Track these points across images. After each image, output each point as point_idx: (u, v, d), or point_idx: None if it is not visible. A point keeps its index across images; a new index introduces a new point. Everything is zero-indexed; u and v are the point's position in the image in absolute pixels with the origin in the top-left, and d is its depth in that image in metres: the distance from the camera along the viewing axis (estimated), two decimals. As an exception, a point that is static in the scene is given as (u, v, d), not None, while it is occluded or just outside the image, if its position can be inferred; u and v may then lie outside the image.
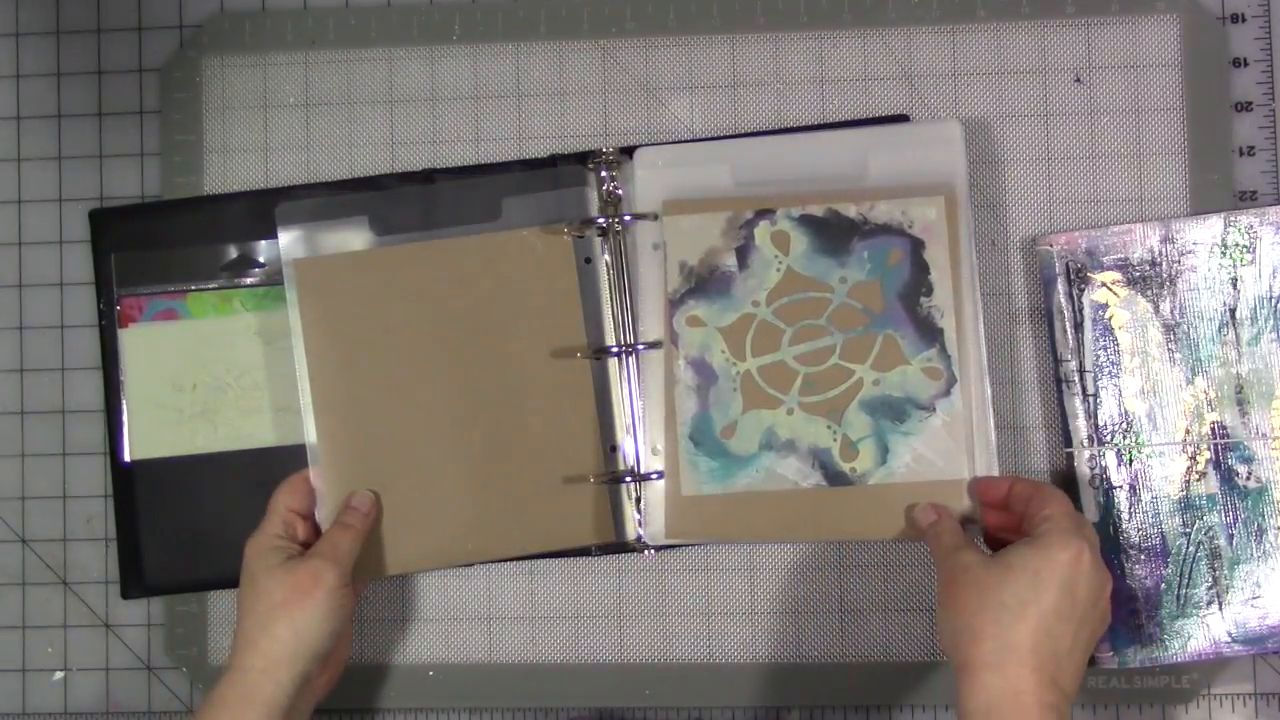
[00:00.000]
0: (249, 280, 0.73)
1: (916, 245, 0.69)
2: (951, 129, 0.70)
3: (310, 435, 0.70)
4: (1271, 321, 0.70)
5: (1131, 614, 0.69)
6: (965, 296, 0.69)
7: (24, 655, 0.76)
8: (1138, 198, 0.73)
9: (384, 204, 0.72)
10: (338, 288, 0.70)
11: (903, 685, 0.72)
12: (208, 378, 0.73)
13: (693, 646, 0.73)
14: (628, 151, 0.72)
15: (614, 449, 0.71)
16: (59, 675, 0.76)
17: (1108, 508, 0.70)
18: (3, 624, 0.76)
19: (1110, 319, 0.71)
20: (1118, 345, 0.70)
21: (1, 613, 0.76)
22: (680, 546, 0.72)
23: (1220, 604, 0.69)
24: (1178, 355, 0.70)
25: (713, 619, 0.73)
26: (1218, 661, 0.70)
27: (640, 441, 0.70)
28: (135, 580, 0.73)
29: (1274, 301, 0.70)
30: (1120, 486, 0.70)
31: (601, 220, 0.71)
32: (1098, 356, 0.70)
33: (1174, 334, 0.70)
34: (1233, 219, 0.70)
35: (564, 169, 0.72)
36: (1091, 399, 0.70)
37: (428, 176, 0.73)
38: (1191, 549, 0.69)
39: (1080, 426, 0.70)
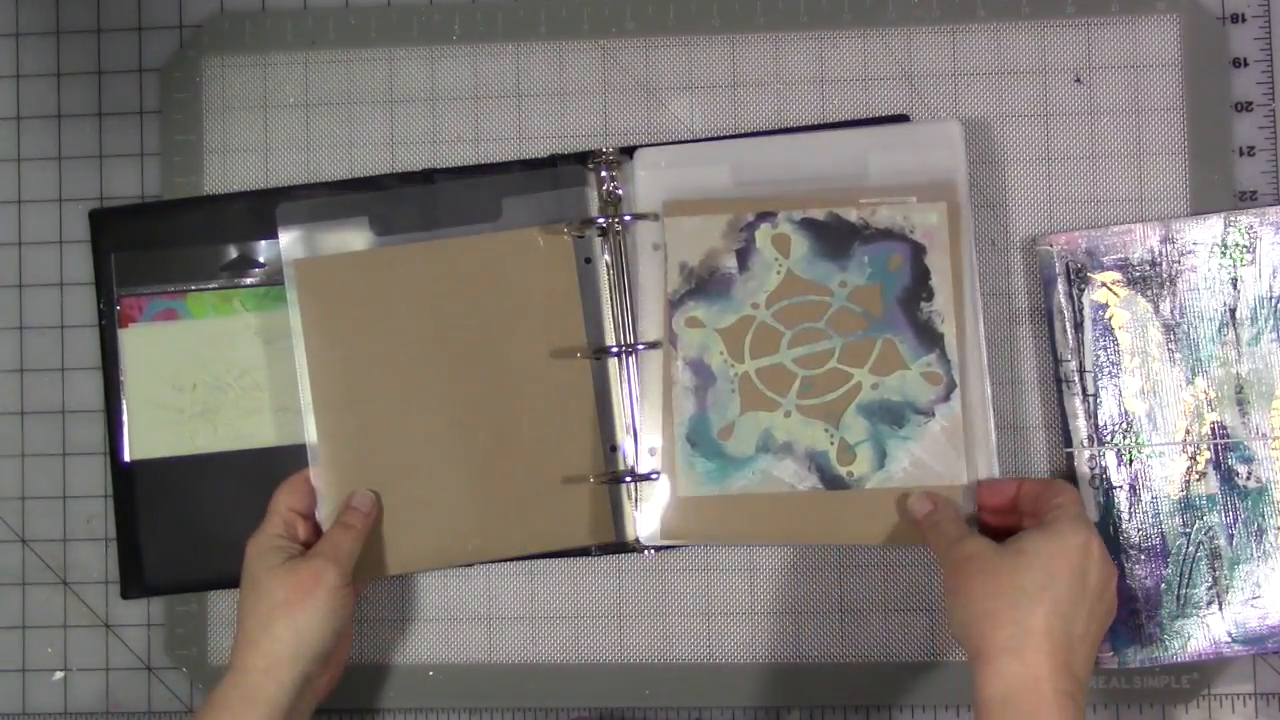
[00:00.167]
0: (249, 280, 0.73)
1: (918, 250, 0.69)
2: (952, 129, 0.70)
3: (310, 435, 0.70)
4: (1271, 321, 0.70)
5: (1131, 614, 0.69)
6: (966, 302, 0.69)
7: (24, 655, 0.76)
8: (1138, 198, 0.73)
9: (384, 204, 0.72)
10: (338, 288, 0.70)
11: (903, 685, 0.72)
12: (208, 378, 0.73)
13: (693, 646, 0.73)
14: (628, 151, 0.72)
15: (614, 449, 0.71)
16: (59, 675, 0.76)
17: (1108, 508, 0.70)
18: (3, 624, 0.76)
19: (1110, 319, 0.71)
20: (1118, 345, 0.70)
21: (1, 613, 0.76)
22: (680, 547, 0.72)
23: (1220, 604, 0.69)
24: (1178, 355, 0.70)
25: (713, 619, 0.73)
26: (1218, 661, 0.70)
27: (640, 442, 0.70)
28: (135, 580, 0.73)
29: (1274, 301, 0.70)
30: (1120, 486, 0.70)
31: (601, 220, 0.71)
32: (1098, 356, 0.70)
33: (1174, 334, 0.70)
34: (1233, 219, 0.70)
35: (564, 169, 0.72)
36: (1091, 399, 0.70)
37: (428, 176, 0.73)
38: (1191, 549, 0.69)
39: (1080, 426, 0.70)
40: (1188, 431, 0.70)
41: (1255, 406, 0.70)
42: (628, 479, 0.70)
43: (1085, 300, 0.71)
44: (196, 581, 0.73)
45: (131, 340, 0.73)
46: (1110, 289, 0.71)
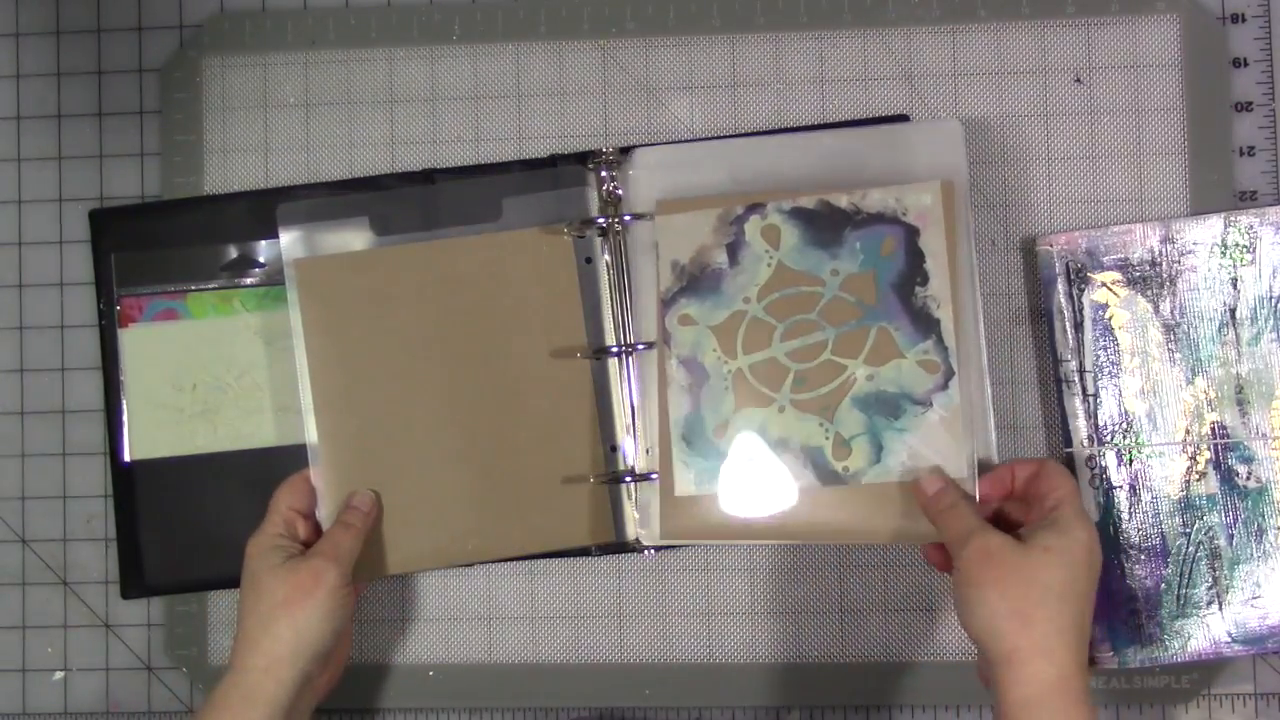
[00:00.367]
0: (249, 280, 0.73)
1: (911, 233, 0.68)
2: (952, 128, 0.69)
3: (311, 435, 0.70)
4: (1271, 321, 0.70)
5: (1131, 614, 0.69)
6: (963, 285, 0.67)
7: (24, 655, 0.76)
8: (1138, 198, 0.73)
9: (384, 204, 0.72)
10: (338, 288, 0.70)
11: (903, 685, 0.72)
12: (208, 378, 0.73)
13: (693, 646, 0.73)
14: (628, 151, 0.72)
15: (614, 449, 0.71)
16: (59, 675, 0.76)
17: (1108, 508, 0.70)
18: (3, 624, 0.76)
19: (1110, 319, 0.71)
20: (1118, 345, 0.70)
21: (1, 613, 0.76)
22: (680, 547, 0.72)
23: (1220, 604, 0.69)
24: (1178, 355, 0.70)
25: (713, 619, 0.73)
26: (1218, 661, 0.70)
27: (639, 442, 0.70)
28: (135, 580, 0.73)
29: (1274, 301, 0.70)
30: (1120, 486, 0.70)
31: (601, 220, 0.71)
32: (1098, 356, 0.70)
33: (1174, 334, 0.70)
34: (1233, 219, 0.70)
35: (564, 169, 0.72)
36: (1091, 399, 0.70)
37: (428, 176, 0.73)
38: (1191, 549, 0.69)
39: (1080, 426, 0.70)
40: (1188, 431, 0.70)
41: (1255, 406, 0.70)
42: (627, 479, 0.70)
43: (1085, 300, 0.71)
44: (196, 581, 0.73)
45: (131, 340, 0.73)
46: (1110, 289, 0.71)
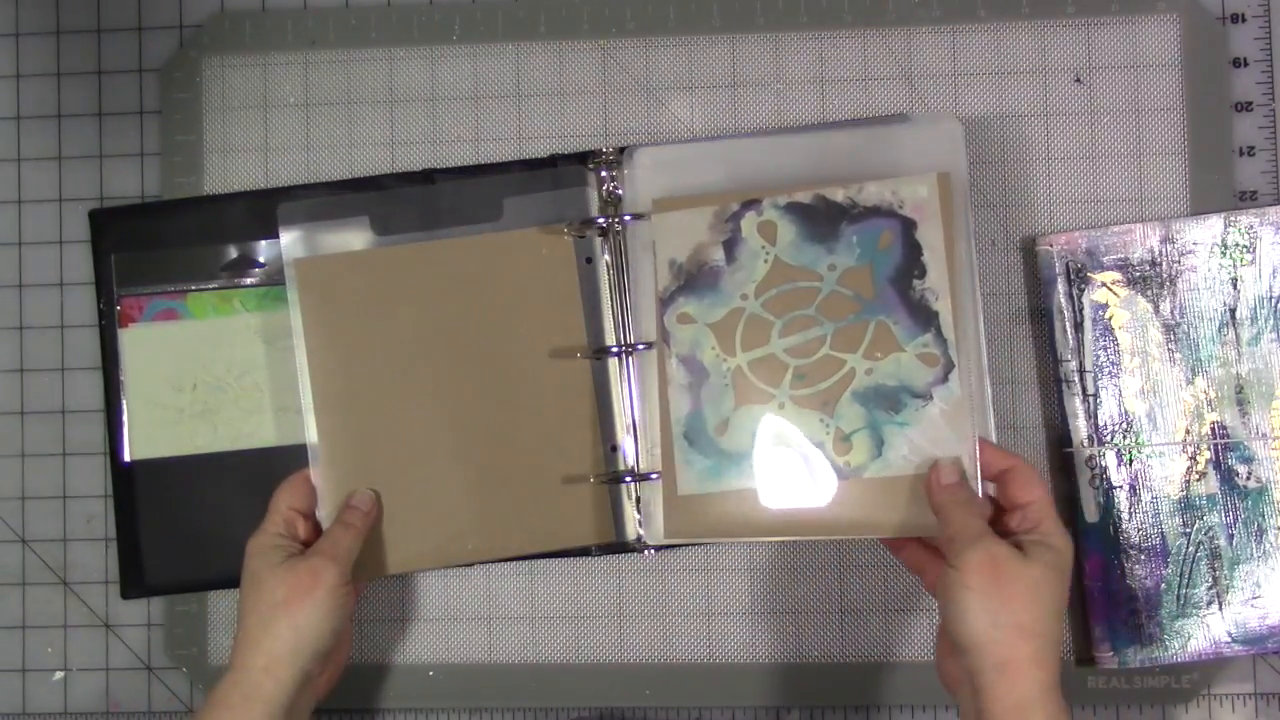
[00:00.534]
0: (249, 280, 0.73)
1: (908, 225, 0.67)
2: (952, 128, 0.69)
3: (311, 435, 0.70)
4: (1271, 321, 0.70)
5: (1131, 614, 0.69)
6: (961, 276, 0.67)
7: (24, 655, 0.76)
8: (1138, 198, 0.73)
9: (385, 204, 0.72)
10: (338, 288, 0.70)
11: (903, 685, 0.72)
12: (208, 378, 0.73)
13: (693, 646, 0.73)
14: (626, 151, 0.72)
15: (614, 449, 0.71)
16: (59, 675, 0.76)
17: (1108, 508, 0.70)
18: (3, 624, 0.76)
19: (1110, 319, 0.71)
20: (1118, 345, 0.70)
21: (1, 613, 0.76)
22: (680, 546, 0.72)
23: (1220, 604, 0.69)
24: (1178, 355, 0.70)
25: (713, 619, 0.73)
26: (1218, 661, 0.70)
27: (640, 441, 0.70)
28: (135, 580, 0.73)
29: (1274, 301, 0.70)
30: (1120, 486, 0.70)
31: (602, 220, 0.71)
32: (1098, 356, 0.70)
33: (1174, 334, 0.70)
34: (1233, 219, 0.70)
35: (564, 169, 0.72)
36: (1091, 399, 0.70)
37: (428, 176, 0.73)
38: (1191, 549, 0.69)
39: (1080, 426, 0.70)
40: (1188, 431, 0.70)
41: (1255, 406, 0.70)
42: (628, 479, 0.70)
43: (1085, 300, 0.71)
44: (196, 581, 0.73)
45: (131, 340, 0.73)
46: (1110, 289, 0.71)
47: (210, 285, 0.73)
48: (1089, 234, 0.71)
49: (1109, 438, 0.70)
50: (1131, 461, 0.70)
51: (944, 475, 0.64)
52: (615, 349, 0.70)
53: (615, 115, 0.75)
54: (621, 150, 0.72)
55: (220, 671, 0.64)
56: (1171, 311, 0.70)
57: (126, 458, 0.73)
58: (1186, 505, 0.70)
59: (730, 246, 0.69)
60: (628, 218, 0.70)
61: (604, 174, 0.71)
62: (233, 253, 0.73)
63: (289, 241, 0.70)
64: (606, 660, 0.74)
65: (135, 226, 0.74)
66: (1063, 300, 0.71)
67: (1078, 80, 0.73)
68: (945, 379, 0.67)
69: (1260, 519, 0.69)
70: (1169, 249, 0.70)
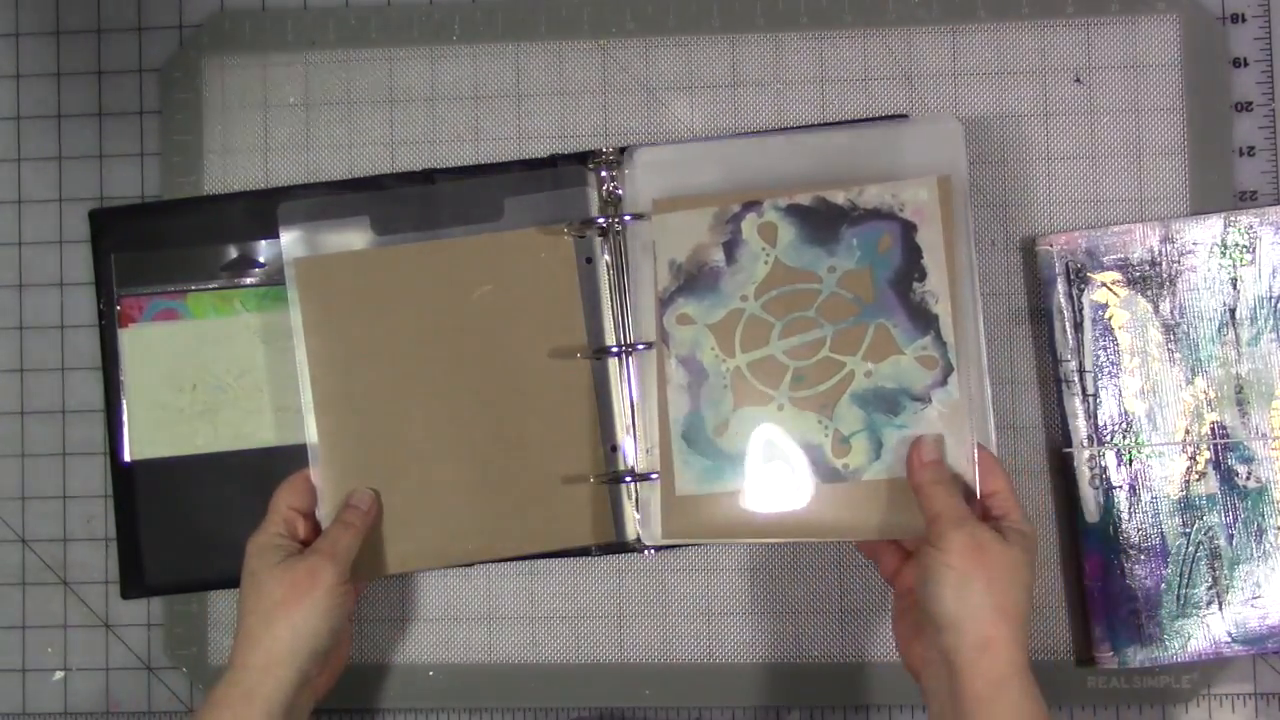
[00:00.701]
0: (249, 280, 0.73)
1: (908, 229, 0.68)
2: (952, 128, 0.69)
3: (311, 435, 0.70)
4: (1271, 321, 0.70)
5: (1131, 614, 0.69)
6: (961, 280, 0.67)
7: (24, 655, 0.76)
8: (1138, 198, 0.73)
9: (385, 204, 0.72)
10: (338, 287, 0.70)
11: (903, 685, 0.72)
12: (208, 378, 0.73)
13: (693, 646, 0.73)
14: (626, 151, 0.72)
15: (614, 449, 0.71)
16: (59, 675, 0.76)
17: (1108, 508, 0.70)
18: (3, 624, 0.76)
19: (1110, 319, 0.71)
20: (1118, 345, 0.70)
21: (1, 613, 0.76)
22: (680, 546, 0.72)
23: (1220, 604, 0.69)
24: (1178, 355, 0.70)
25: (713, 619, 0.73)
26: (1218, 661, 0.70)
27: (639, 442, 0.70)
28: (135, 580, 0.73)
29: (1274, 301, 0.70)
30: (1120, 486, 0.70)
31: (602, 220, 0.71)
32: (1098, 356, 0.70)
33: (1174, 334, 0.70)
34: (1233, 219, 0.70)
35: (564, 169, 0.72)
36: (1091, 399, 0.70)
37: (428, 176, 0.73)
38: (1191, 549, 0.69)
39: (1080, 426, 0.70)
40: (1187, 431, 0.70)
41: (1255, 406, 0.70)
42: (628, 479, 0.70)
43: (1085, 300, 0.71)
44: (196, 581, 0.73)
45: (131, 340, 0.73)
46: (1110, 289, 0.71)
47: (210, 285, 0.73)
48: (1089, 234, 0.71)
49: (1109, 438, 0.70)
50: (1131, 461, 0.70)
51: (925, 452, 0.65)
52: (615, 349, 0.70)
53: (615, 115, 0.75)
54: (621, 150, 0.72)
55: (220, 671, 0.64)
56: (1171, 311, 0.70)
57: (126, 458, 0.73)
58: (1186, 505, 0.70)
59: (730, 247, 0.69)
60: (628, 218, 0.70)
61: (604, 174, 0.71)
62: (233, 253, 0.73)
63: (289, 241, 0.70)
64: (606, 660, 0.74)
65: (135, 226, 0.74)
66: (1062, 300, 0.71)
67: (1077, 80, 0.73)
68: (944, 382, 0.67)
69: (1260, 519, 0.69)
70: (1169, 249, 0.70)
